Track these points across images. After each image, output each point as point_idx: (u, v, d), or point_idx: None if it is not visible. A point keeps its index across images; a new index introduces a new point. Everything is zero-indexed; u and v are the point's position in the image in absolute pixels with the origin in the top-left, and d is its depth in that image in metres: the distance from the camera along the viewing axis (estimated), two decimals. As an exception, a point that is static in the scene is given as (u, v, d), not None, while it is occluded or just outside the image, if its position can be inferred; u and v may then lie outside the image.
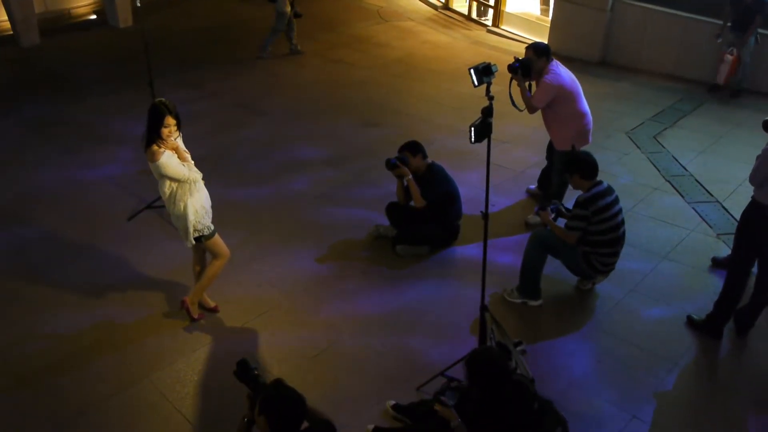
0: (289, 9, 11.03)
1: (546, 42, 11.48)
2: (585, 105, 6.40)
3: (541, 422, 3.77)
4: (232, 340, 5.13)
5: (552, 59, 6.25)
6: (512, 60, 6.10)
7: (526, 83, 6.23)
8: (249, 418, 3.35)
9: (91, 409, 4.50)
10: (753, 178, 4.86)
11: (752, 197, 4.91)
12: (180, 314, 5.30)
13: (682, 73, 10.57)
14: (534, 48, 6.22)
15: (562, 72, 6.22)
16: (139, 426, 4.40)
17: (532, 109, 6.27)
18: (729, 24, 9.54)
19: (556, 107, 6.23)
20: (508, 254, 6.09)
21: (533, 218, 6.61)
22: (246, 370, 3.38)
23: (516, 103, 6.19)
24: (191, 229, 4.89)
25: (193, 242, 4.97)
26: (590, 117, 6.45)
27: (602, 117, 9.17)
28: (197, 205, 4.88)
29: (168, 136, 4.74)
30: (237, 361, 3.42)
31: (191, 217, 4.85)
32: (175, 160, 4.77)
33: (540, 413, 3.76)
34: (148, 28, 7.51)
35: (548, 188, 6.76)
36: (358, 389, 4.67)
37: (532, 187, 7.23)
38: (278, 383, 3.31)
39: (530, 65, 6.12)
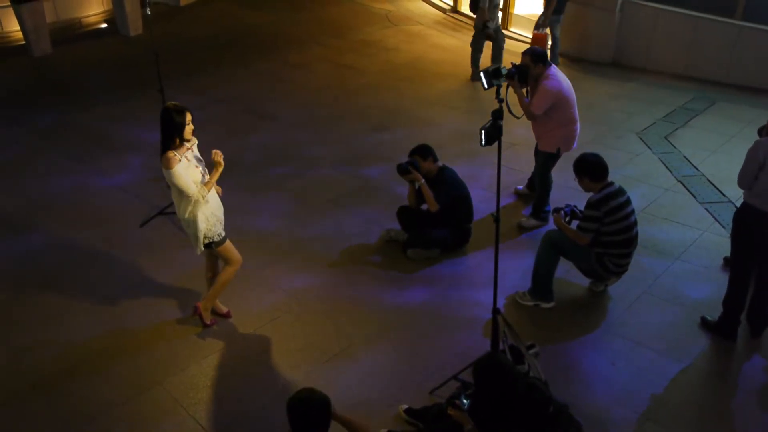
0: (486, 26, 10.09)
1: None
2: (577, 112, 6.36)
3: (555, 426, 3.75)
4: (244, 346, 5.14)
5: (550, 64, 6.22)
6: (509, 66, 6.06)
7: (522, 89, 6.18)
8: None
9: (103, 415, 4.51)
10: (741, 182, 4.83)
11: (744, 200, 4.90)
12: (192, 320, 5.32)
13: (693, 72, 10.51)
14: (531, 54, 6.17)
15: (560, 77, 6.19)
16: (153, 432, 4.42)
17: (530, 116, 6.23)
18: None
19: (551, 112, 6.18)
20: (519, 256, 6.08)
21: (527, 221, 6.61)
22: None
23: (512, 110, 6.13)
24: (201, 237, 4.89)
25: (203, 249, 4.98)
26: (579, 124, 6.42)
27: (613, 117, 9.16)
28: (208, 212, 4.88)
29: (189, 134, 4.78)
30: None
31: (201, 225, 4.86)
32: (188, 175, 4.76)
33: (555, 417, 3.74)
34: (158, 36, 7.54)
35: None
36: (370, 393, 4.66)
37: (520, 187, 7.23)
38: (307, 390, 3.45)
39: (527, 71, 6.07)
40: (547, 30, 10.51)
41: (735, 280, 5.06)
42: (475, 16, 10.29)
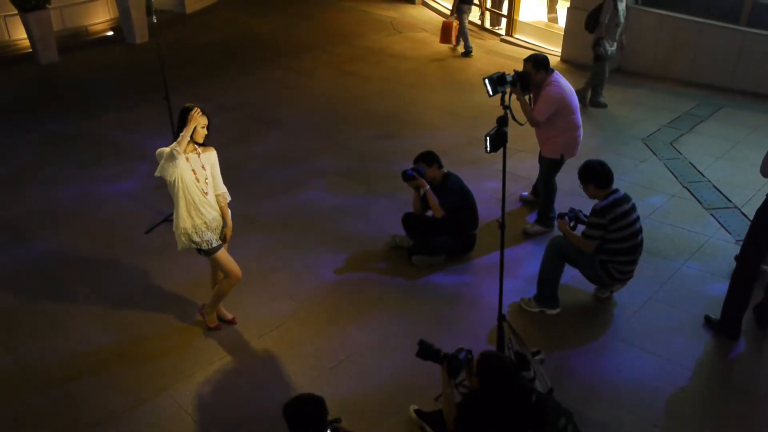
0: (598, 44, 9.07)
1: (560, 50, 11.53)
2: (579, 118, 6.36)
3: (541, 415, 3.73)
4: (249, 353, 5.14)
5: (552, 71, 6.22)
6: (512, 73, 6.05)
7: (525, 96, 6.17)
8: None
9: (109, 421, 4.53)
10: (764, 169, 4.82)
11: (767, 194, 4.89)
12: (197, 328, 5.34)
13: (697, 78, 10.52)
14: (533, 60, 6.16)
15: (563, 84, 6.20)
16: (159, 438, 4.43)
17: (534, 122, 6.23)
18: None
19: (554, 118, 6.19)
20: (524, 263, 6.08)
21: (532, 228, 6.60)
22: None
23: (516, 116, 6.12)
24: (179, 233, 4.87)
25: (182, 246, 4.93)
26: (582, 130, 6.42)
27: (618, 124, 9.16)
28: (198, 221, 4.85)
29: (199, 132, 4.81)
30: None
31: (182, 222, 4.82)
32: (178, 167, 4.73)
33: (539, 406, 3.73)
34: (164, 43, 7.58)
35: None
36: (375, 400, 4.66)
37: (525, 194, 7.23)
38: (299, 394, 3.43)
39: (528, 78, 6.07)
40: (455, 19, 11.94)
41: (741, 272, 5.06)
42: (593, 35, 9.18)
